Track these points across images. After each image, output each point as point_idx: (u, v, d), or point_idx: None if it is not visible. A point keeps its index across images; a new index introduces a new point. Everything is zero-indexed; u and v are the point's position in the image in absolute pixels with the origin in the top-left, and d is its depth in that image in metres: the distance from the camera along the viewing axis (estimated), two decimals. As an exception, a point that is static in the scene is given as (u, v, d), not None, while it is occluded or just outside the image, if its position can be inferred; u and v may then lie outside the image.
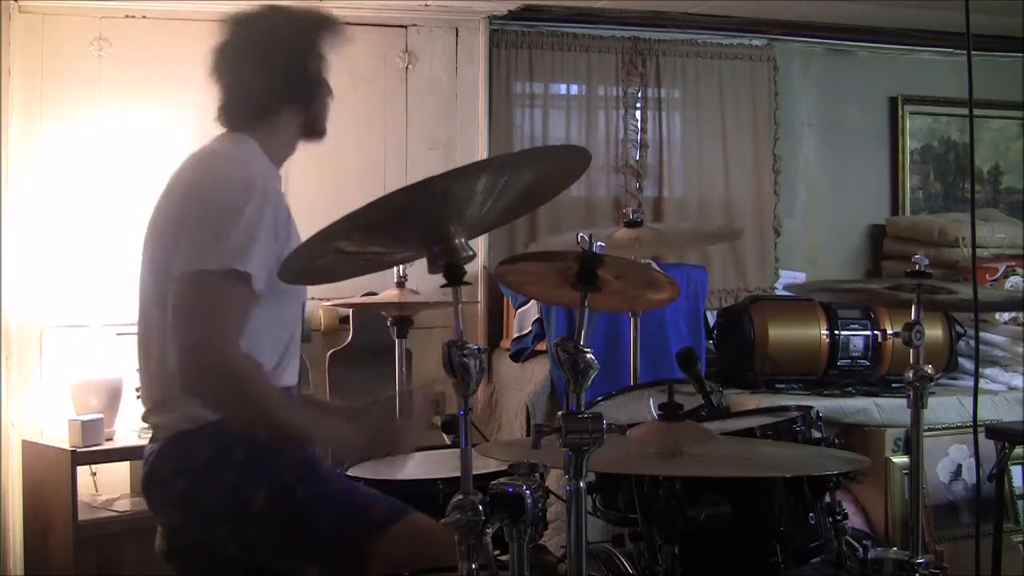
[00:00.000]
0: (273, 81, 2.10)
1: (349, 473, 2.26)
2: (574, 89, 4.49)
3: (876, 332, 3.77)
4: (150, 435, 2.07)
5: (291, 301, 2.07)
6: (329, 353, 3.94)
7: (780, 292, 4.57)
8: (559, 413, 1.46)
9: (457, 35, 4.18)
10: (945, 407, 3.62)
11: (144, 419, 2.09)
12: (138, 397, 3.39)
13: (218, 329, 1.84)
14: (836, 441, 2.08)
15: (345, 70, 4.10)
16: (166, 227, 1.98)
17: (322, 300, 3.86)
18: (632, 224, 3.04)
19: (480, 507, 1.42)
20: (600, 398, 2.53)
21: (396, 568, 1.85)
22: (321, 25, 2.16)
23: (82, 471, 3.36)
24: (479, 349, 1.45)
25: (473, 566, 1.43)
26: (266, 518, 1.92)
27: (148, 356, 2.05)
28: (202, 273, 1.87)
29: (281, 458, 1.98)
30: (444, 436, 2.59)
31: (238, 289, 1.87)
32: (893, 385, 3.70)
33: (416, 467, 2.50)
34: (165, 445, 2.00)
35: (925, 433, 2.26)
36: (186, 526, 1.99)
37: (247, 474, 1.93)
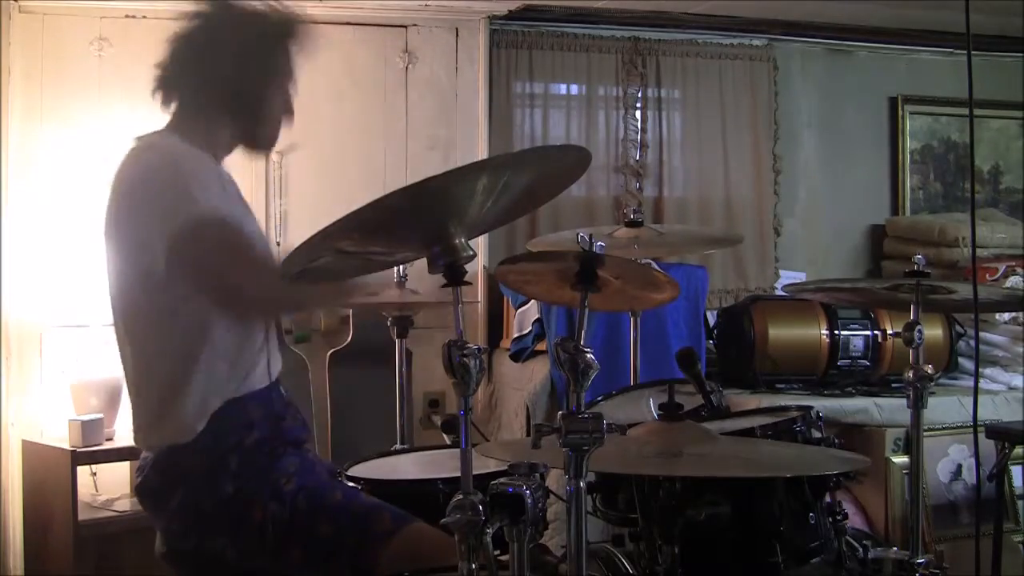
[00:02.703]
0: (211, 87, 2.03)
1: (349, 474, 2.26)
2: (574, 89, 4.49)
3: (876, 332, 3.76)
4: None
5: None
6: (329, 353, 3.94)
7: (780, 292, 4.57)
8: (559, 413, 1.46)
9: (457, 35, 4.18)
10: (945, 407, 3.61)
11: (136, 431, 2.06)
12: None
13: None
14: (836, 441, 2.08)
15: (345, 70, 4.14)
16: (108, 228, 1.97)
17: (322, 300, 3.86)
18: (632, 224, 3.04)
19: (480, 507, 1.42)
20: (600, 398, 2.53)
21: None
22: (281, 32, 2.07)
23: (82, 471, 3.36)
24: (479, 349, 1.45)
25: (473, 566, 1.43)
26: (265, 528, 1.91)
27: (135, 368, 2.03)
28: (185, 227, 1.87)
29: (278, 466, 1.98)
30: (444, 436, 2.60)
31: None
32: (893, 385, 3.70)
33: (416, 467, 2.50)
34: (159, 457, 1.98)
35: (925, 433, 2.26)
36: (184, 534, 1.98)
37: (244, 484, 1.93)
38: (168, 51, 2.06)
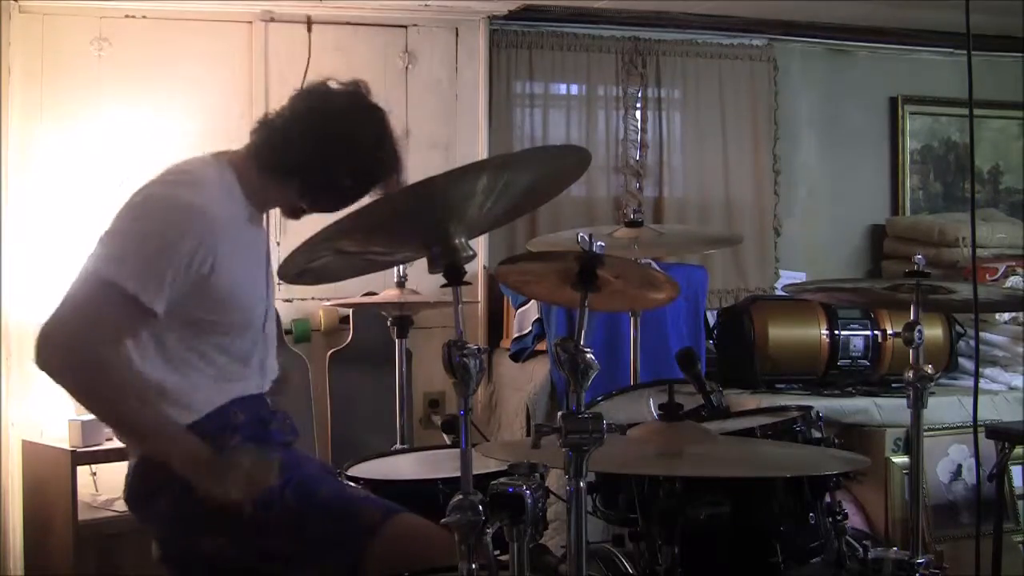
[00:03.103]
0: (301, 158, 2.01)
1: (349, 474, 2.26)
2: (574, 89, 4.49)
3: (876, 332, 3.76)
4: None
5: (221, 330, 2.00)
6: (329, 353, 3.94)
7: (780, 292, 4.57)
8: (559, 413, 1.46)
9: (457, 35, 4.18)
10: (945, 407, 3.61)
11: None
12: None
13: (88, 323, 1.84)
14: (836, 441, 2.08)
15: (345, 70, 4.12)
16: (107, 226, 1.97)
17: (322, 300, 3.86)
18: (632, 224, 3.04)
19: (480, 507, 1.42)
20: (600, 398, 2.53)
21: (390, 568, 1.85)
22: (382, 168, 2.05)
23: (82, 471, 3.36)
24: (479, 349, 1.46)
25: (473, 566, 1.43)
26: (256, 524, 1.90)
27: None
28: (99, 278, 1.87)
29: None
30: (444, 436, 2.60)
31: (127, 307, 1.85)
32: (893, 385, 3.70)
33: (416, 467, 2.51)
34: (141, 461, 1.99)
35: (925, 433, 2.26)
36: (175, 537, 1.99)
37: None
38: (289, 103, 2.08)
